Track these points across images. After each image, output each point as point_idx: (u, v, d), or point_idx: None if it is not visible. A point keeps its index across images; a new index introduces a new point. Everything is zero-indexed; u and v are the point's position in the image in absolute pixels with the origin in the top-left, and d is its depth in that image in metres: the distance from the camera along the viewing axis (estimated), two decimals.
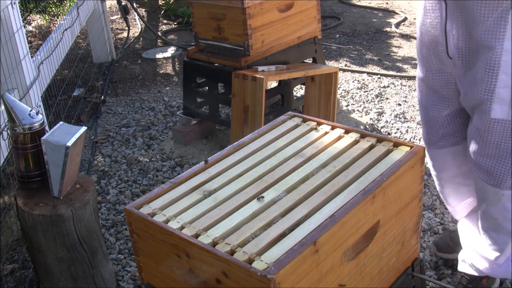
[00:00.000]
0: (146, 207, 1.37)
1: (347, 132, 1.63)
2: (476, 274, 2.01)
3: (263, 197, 1.36)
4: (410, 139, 3.18)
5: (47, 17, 5.51)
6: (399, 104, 3.60)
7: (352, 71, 4.19)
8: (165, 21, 5.81)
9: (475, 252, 1.96)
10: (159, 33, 5.25)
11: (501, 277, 1.97)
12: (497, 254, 1.87)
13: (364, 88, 3.88)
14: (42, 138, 1.69)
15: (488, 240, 1.88)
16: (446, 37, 1.72)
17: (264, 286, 1.09)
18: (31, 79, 2.60)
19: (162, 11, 5.95)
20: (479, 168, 1.76)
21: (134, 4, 5.22)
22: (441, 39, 1.74)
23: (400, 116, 3.44)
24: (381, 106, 3.58)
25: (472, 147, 1.76)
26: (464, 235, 2.06)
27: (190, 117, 3.26)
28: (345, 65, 4.32)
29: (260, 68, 2.85)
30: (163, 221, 1.30)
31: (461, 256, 2.08)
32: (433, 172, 2.09)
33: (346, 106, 3.62)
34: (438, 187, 2.13)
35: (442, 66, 1.80)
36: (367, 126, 3.33)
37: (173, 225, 1.29)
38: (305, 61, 3.26)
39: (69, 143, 1.66)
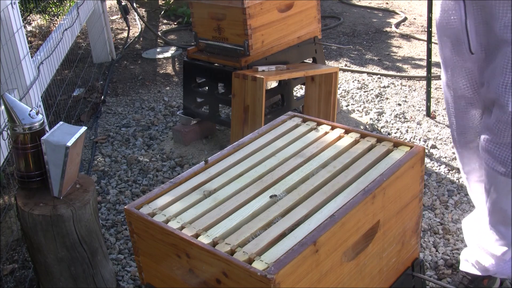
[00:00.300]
0: (146, 207, 1.37)
1: (347, 132, 1.63)
2: (479, 273, 2.01)
3: (275, 195, 1.36)
4: (410, 139, 3.17)
5: (47, 17, 5.51)
6: (399, 104, 3.59)
7: (352, 71, 4.19)
8: (165, 21, 5.80)
9: (481, 249, 1.95)
10: (159, 33, 5.24)
11: (505, 275, 1.96)
12: (505, 249, 1.87)
13: (364, 88, 3.88)
14: (42, 138, 1.69)
15: (495, 235, 1.87)
16: (468, 35, 1.72)
17: (264, 286, 1.09)
18: (31, 79, 2.60)
19: (162, 11, 5.95)
20: (492, 157, 1.75)
21: (134, 4, 5.21)
22: (463, 37, 1.74)
23: (400, 116, 3.44)
24: (381, 106, 3.58)
25: (487, 136, 1.75)
26: (468, 233, 2.06)
27: (190, 117, 3.26)
28: (345, 65, 4.32)
29: (260, 68, 2.85)
30: (163, 221, 1.30)
31: (463, 255, 2.07)
32: (463, 175, 2.09)
33: (346, 106, 3.62)
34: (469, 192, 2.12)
35: (463, 63, 1.81)
36: (367, 126, 3.33)
37: (173, 225, 1.29)
38: (305, 61, 3.26)
39: (69, 143, 1.66)
